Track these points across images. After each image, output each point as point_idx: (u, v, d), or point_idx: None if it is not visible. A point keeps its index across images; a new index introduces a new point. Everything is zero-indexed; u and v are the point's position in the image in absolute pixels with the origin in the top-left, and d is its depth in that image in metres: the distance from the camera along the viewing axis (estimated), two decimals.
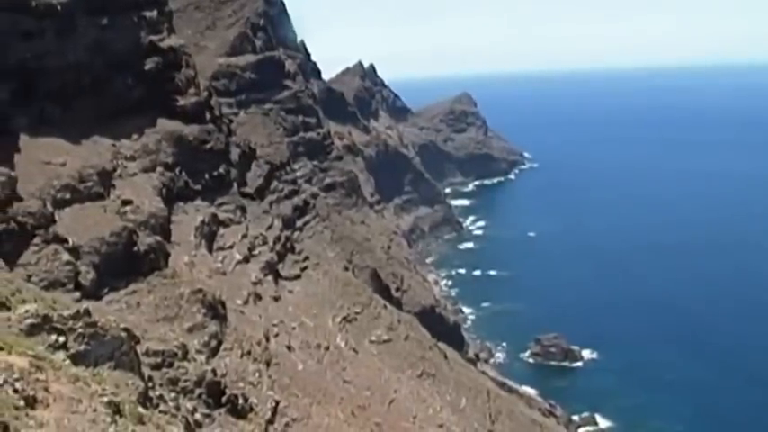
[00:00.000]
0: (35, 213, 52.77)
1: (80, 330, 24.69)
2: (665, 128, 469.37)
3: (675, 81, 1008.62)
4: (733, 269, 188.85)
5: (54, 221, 54.72)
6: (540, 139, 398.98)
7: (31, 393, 15.99)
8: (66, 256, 52.50)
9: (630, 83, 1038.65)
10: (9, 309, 23.41)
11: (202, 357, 54.75)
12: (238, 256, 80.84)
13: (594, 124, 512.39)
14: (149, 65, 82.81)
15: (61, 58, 70.92)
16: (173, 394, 42.89)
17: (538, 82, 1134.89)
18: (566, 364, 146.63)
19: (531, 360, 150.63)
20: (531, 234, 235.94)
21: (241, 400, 52.67)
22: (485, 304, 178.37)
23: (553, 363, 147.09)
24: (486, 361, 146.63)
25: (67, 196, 60.45)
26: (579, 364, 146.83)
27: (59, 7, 70.48)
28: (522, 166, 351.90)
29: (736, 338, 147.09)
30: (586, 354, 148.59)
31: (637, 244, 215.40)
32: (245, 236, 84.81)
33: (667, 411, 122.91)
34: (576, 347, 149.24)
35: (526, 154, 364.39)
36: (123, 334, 27.52)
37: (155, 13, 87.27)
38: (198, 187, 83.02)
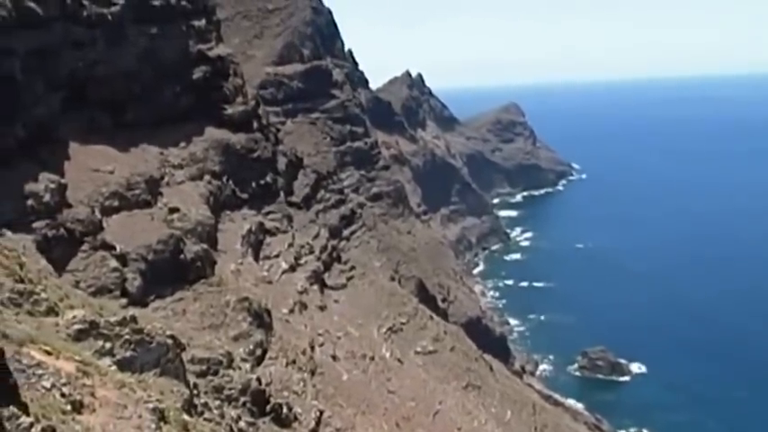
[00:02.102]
0: (83, 220, 53.20)
1: (126, 337, 24.68)
2: (716, 139, 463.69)
3: (727, 91, 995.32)
4: None
5: (102, 228, 55.12)
6: (588, 150, 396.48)
7: (78, 398, 16.00)
8: (113, 263, 52.81)
9: (682, 92, 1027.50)
10: (57, 314, 23.46)
11: (247, 366, 54.65)
12: (284, 265, 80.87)
13: (644, 135, 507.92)
14: (197, 73, 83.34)
15: (111, 66, 71.51)
16: (217, 402, 42.83)
17: (587, 93, 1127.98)
18: (613, 377, 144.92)
19: (577, 373, 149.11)
20: (579, 246, 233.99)
21: (285, 410, 52.50)
22: (531, 316, 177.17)
23: (600, 376, 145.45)
24: (533, 373, 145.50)
25: (115, 203, 60.84)
26: (627, 378, 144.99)
27: (110, 16, 71.15)
28: (571, 177, 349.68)
29: None
30: (634, 367, 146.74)
31: (685, 257, 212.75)
32: (291, 245, 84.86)
33: (716, 429, 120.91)
34: (623, 361, 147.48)
35: (574, 165, 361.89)
36: (169, 341, 27.47)
37: (203, 22, 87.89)
38: (245, 196, 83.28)
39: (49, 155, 57.47)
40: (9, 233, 44.35)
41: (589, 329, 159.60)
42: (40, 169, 53.47)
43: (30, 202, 49.81)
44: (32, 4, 59.00)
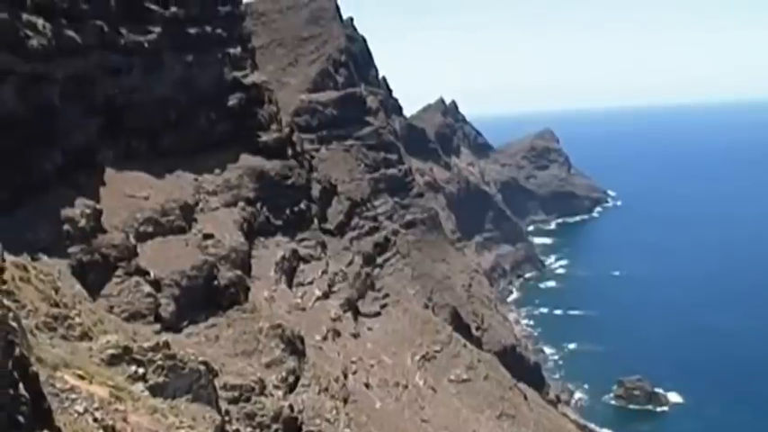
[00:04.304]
0: (118, 246, 53.49)
1: (159, 362, 24.66)
2: (757, 165, 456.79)
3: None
4: None
5: (136, 254, 55.38)
6: (624, 177, 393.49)
7: (110, 423, 15.93)
8: (147, 289, 53.01)
9: (722, 117, 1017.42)
10: (91, 339, 23.52)
11: (280, 393, 54.53)
12: (318, 292, 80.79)
13: (681, 161, 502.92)
14: (233, 101, 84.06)
15: (147, 93, 72.34)
16: (249, 429, 42.77)
17: (623, 119, 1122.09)
18: (650, 407, 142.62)
19: (613, 402, 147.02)
20: (615, 273, 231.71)
21: None
22: (566, 344, 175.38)
23: (637, 406, 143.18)
24: (567, 403, 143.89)
25: (150, 229, 61.20)
26: (665, 408, 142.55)
27: (146, 44, 72.02)
28: (606, 204, 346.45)
29: None
30: (672, 397, 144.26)
31: (722, 285, 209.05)
32: (325, 272, 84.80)
33: None
34: (660, 391, 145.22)
35: (610, 192, 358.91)
36: (202, 367, 27.41)
37: (238, 49, 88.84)
38: (279, 222, 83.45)
39: (86, 180, 58.05)
40: (45, 257, 44.59)
41: (625, 358, 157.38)
42: (76, 195, 53.95)
43: (66, 227, 50.19)
44: (71, 33, 59.84)
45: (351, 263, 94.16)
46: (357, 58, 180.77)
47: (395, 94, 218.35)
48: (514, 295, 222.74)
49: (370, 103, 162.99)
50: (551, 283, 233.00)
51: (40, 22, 54.87)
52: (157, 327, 50.82)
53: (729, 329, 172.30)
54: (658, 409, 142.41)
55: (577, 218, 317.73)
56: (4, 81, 50.35)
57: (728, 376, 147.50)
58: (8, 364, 11.39)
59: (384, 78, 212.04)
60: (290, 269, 79.45)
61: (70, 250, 49.39)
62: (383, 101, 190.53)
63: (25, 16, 53.31)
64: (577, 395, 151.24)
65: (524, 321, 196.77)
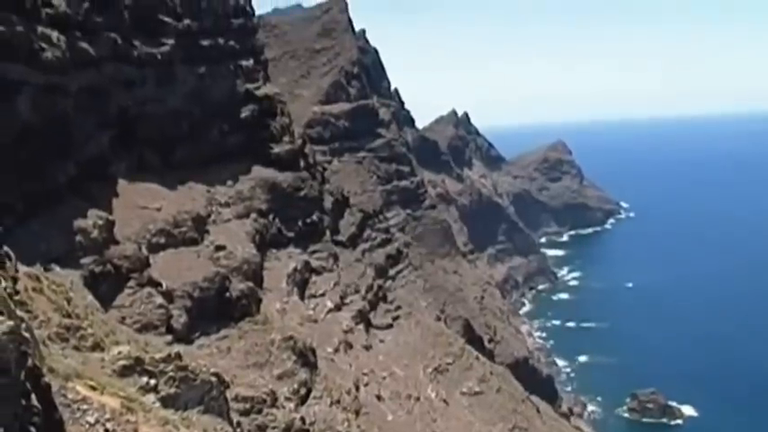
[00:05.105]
0: (131, 257, 53.53)
1: (171, 374, 24.62)
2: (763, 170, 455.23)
3: None
4: None
5: (149, 265, 55.42)
6: (637, 188, 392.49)
7: None
8: (159, 300, 53.01)
9: (734, 127, 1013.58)
10: (103, 350, 23.50)
11: (291, 405, 54.41)
12: (330, 304, 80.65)
13: (694, 171, 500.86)
14: (245, 113, 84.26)
15: (160, 105, 72.58)
16: None
17: (635, 130, 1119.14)
18: (664, 421, 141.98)
19: (626, 416, 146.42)
20: (629, 285, 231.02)
21: None
22: (579, 357, 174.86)
23: (650, 419, 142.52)
24: (580, 415, 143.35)
25: (162, 241, 61.25)
26: (679, 421, 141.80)
27: (159, 56, 72.26)
28: (619, 216, 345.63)
29: None
30: (686, 410, 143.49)
31: (737, 296, 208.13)
32: (337, 284, 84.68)
33: None
34: (674, 404, 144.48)
35: (623, 203, 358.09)
36: (213, 379, 27.38)
37: (251, 62, 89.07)
38: (291, 234, 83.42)
39: (99, 192, 58.17)
40: (57, 268, 44.66)
41: (639, 371, 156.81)
42: (89, 206, 54.04)
43: (78, 237, 50.25)
44: (85, 45, 60.06)
45: (363, 275, 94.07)
46: (369, 70, 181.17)
47: (407, 106, 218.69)
48: (527, 307, 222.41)
49: (383, 115, 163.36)
50: (564, 296, 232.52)
51: (54, 34, 55.06)
52: (169, 338, 50.79)
53: (744, 341, 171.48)
54: (672, 422, 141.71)
55: (590, 230, 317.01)
56: (19, 92, 50.48)
57: (743, 389, 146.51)
58: (21, 374, 11.39)
59: (396, 90, 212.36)
60: (302, 281, 79.38)
61: (83, 261, 49.43)
62: (395, 113, 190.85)
63: (40, 29, 53.51)
64: (590, 408, 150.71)
65: (537, 334, 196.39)
